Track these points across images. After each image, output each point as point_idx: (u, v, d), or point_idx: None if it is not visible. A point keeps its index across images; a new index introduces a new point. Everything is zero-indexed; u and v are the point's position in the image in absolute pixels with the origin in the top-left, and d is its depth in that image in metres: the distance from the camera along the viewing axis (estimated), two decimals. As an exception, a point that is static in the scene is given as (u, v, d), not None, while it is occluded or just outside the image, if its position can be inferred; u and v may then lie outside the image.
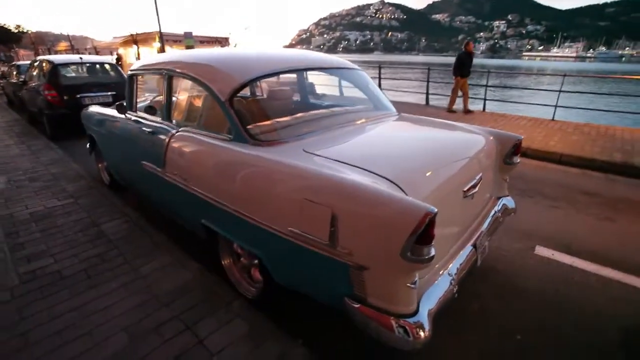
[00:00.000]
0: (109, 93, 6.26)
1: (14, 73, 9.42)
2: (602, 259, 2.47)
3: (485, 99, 8.29)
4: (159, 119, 2.40)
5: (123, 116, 2.86)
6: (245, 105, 2.01)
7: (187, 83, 2.31)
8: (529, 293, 2.15)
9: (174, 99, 2.40)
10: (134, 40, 16.21)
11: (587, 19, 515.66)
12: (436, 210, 1.14)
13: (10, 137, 5.82)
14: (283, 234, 1.47)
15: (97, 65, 6.72)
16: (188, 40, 17.88)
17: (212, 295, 1.93)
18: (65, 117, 5.82)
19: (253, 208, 1.61)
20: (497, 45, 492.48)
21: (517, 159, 2.22)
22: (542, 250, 2.60)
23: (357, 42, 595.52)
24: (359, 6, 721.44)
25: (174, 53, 2.51)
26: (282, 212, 1.47)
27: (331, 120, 2.14)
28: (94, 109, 3.65)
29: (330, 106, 2.47)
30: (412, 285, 1.28)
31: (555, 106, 7.35)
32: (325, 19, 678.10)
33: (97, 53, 23.54)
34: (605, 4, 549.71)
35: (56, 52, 30.91)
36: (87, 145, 3.93)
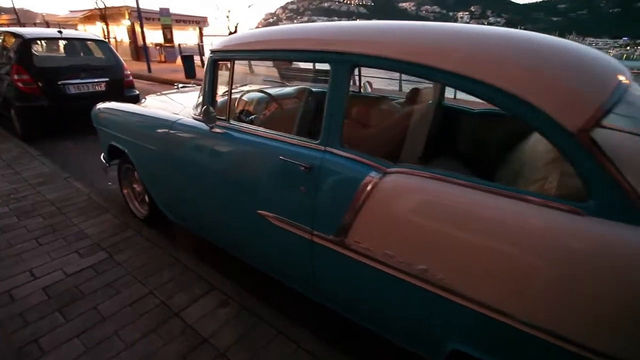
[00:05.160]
0: (101, 80, 4.83)
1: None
2: None
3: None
4: (314, 143, 1.34)
5: (203, 126, 1.74)
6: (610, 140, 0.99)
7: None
8: None
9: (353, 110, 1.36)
10: (102, 15, 13.92)
11: (542, 13, 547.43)
12: None
13: (-36, 139, 4.28)
14: None
15: (82, 43, 5.18)
16: (165, 18, 15.94)
17: None
18: (43, 111, 4.37)
19: None
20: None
21: None
22: None
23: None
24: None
25: (348, 25, 1.35)
26: None
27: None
28: (124, 106, 2.43)
29: None
30: None
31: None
32: (292, 2, 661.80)
33: (50, 29, 20.40)
34: (557, 0, 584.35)
35: (-3, 27, 26.51)
36: (102, 158, 2.71)
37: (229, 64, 1.73)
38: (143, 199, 2.56)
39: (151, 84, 10.06)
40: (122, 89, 5.07)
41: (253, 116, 1.93)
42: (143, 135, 2.13)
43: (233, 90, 1.96)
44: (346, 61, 1.23)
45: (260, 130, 1.53)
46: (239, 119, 1.82)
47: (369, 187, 1.16)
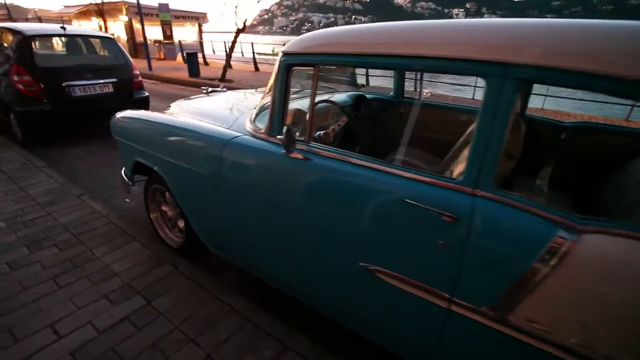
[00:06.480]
0: (109, 80, 4.42)
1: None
2: None
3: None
4: (455, 182, 1.00)
5: (271, 147, 1.40)
6: None
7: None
8: None
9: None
10: (100, 10, 13.35)
11: (536, 10, 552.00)
12: None
13: (-41, 147, 3.85)
14: None
15: (87, 40, 4.75)
16: (164, 14, 15.42)
17: None
18: (46, 115, 3.96)
19: None
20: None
21: None
22: None
23: (321, 24, 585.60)
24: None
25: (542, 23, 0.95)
26: None
27: None
28: (153, 116, 2.06)
29: None
30: None
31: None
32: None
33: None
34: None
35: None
36: (123, 175, 2.35)
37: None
38: (175, 225, 2.21)
39: (154, 83, 9.60)
40: (131, 91, 4.69)
41: (321, 132, 1.59)
42: (184, 155, 1.76)
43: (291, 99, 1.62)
44: (518, 76, 0.89)
45: (364, 159, 1.18)
46: (314, 139, 1.47)
47: (561, 253, 0.82)
